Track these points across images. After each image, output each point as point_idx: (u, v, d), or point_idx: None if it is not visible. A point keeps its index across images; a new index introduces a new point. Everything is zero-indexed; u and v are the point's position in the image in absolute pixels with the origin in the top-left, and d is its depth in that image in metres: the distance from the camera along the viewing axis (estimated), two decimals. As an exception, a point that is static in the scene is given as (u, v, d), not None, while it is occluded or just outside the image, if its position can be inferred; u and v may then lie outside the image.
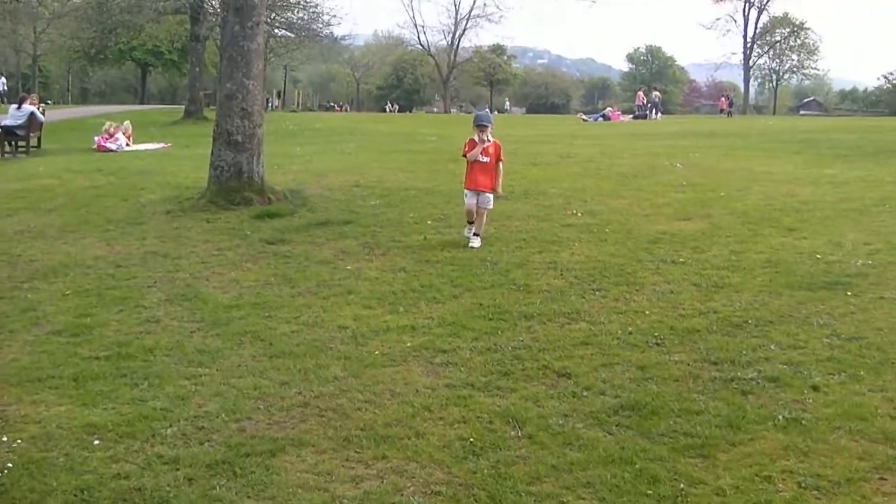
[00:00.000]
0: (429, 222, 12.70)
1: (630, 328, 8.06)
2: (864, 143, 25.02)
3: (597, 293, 9.20)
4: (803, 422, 6.16)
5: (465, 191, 11.61)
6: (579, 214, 13.10)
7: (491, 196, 11.57)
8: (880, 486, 5.34)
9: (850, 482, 5.37)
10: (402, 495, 5.19)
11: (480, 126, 11.55)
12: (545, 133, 32.52)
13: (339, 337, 8.01)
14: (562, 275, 9.86)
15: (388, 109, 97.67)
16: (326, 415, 6.33)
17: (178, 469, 5.54)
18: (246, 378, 7.04)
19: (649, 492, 5.20)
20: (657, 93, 65.50)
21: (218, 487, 5.30)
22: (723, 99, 70.30)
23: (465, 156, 11.68)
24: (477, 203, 11.43)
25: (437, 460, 5.62)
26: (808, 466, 5.55)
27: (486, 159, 11.45)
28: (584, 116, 58.33)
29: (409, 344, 7.76)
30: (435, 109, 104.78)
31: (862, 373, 7.04)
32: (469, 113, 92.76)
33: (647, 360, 7.28)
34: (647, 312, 8.43)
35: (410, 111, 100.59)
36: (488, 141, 11.51)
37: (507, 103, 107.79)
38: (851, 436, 5.98)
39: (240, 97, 14.36)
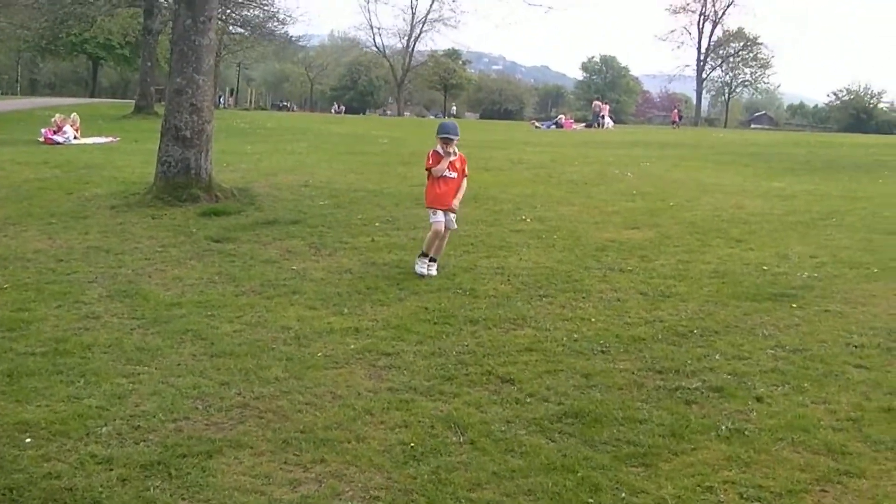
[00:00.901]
0: (377, 224, 12.62)
1: (575, 335, 8.03)
2: (814, 158, 25.32)
3: (543, 299, 9.16)
4: (746, 432, 6.15)
5: (434, 211, 10.22)
6: (528, 220, 13.09)
7: (454, 216, 10.46)
8: (821, 498, 5.34)
9: (792, 494, 5.37)
10: (340, 500, 5.11)
11: (445, 138, 10.14)
12: (498, 139, 32.55)
13: (281, 337, 7.89)
14: (509, 280, 9.83)
15: (334, 111, 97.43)
16: (266, 416, 6.21)
17: (111, 469, 5.40)
18: (185, 377, 6.90)
19: (590, 500, 5.16)
20: (597, 102, 65.92)
21: (152, 489, 5.17)
22: (675, 111, 70.99)
23: (428, 170, 10.28)
24: (447, 223, 10.25)
25: (376, 465, 5.53)
26: (751, 477, 5.54)
27: (453, 174, 10.19)
28: (536, 123, 58.55)
29: (352, 346, 7.66)
30: (388, 112, 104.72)
31: (806, 384, 7.06)
32: (422, 117, 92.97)
33: (592, 367, 7.24)
34: (592, 320, 8.41)
35: (364, 113, 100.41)
36: (454, 154, 10.21)
37: (454, 108, 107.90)
38: (794, 447, 5.98)
39: (189, 92, 14.19)
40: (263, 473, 5.40)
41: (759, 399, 6.75)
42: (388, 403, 6.46)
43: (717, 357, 7.59)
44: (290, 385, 6.77)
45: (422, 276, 9.91)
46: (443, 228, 10.11)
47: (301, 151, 23.46)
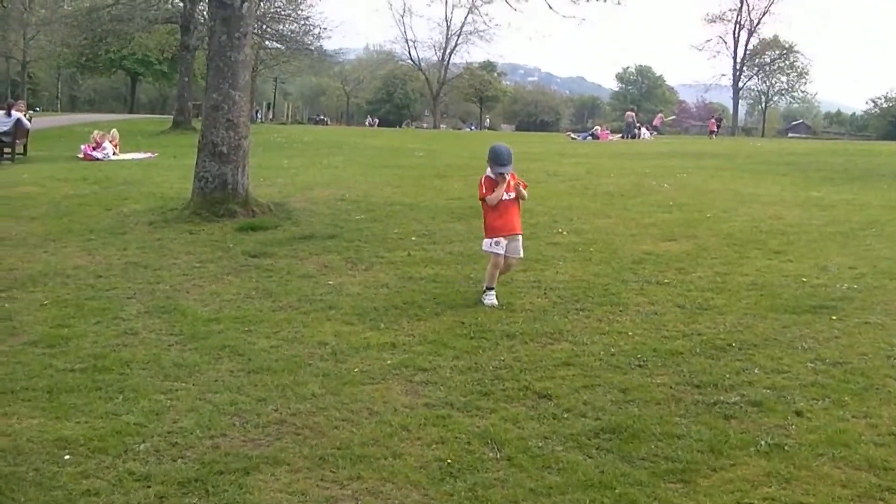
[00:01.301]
0: (413, 238, 12.62)
1: (613, 349, 7.98)
2: (852, 167, 25.08)
3: (580, 313, 9.13)
4: (786, 448, 6.08)
5: (496, 240, 9.51)
6: (565, 233, 13.05)
7: (521, 240, 9.83)
8: (863, 515, 5.28)
9: (833, 511, 5.31)
10: (377, 517, 5.10)
11: (500, 174, 9.52)
12: (533, 151, 32.48)
13: (318, 353, 7.91)
14: (545, 294, 9.79)
15: (368, 124, 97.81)
16: (303, 433, 6.22)
17: (149, 486, 5.42)
18: (222, 393, 6.93)
19: (628, 517, 5.12)
20: (630, 113, 65.67)
21: (189, 506, 5.19)
22: (712, 120, 70.61)
23: (482, 199, 9.58)
24: (509, 251, 9.59)
25: (413, 481, 5.52)
26: (790, 494, 5.48)
27: (511, 195, 9.53)
28: (572, 135, 58.39)
29: (388, 362, 7.66)
30: (424, 125, 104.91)
31: (846, 398, 6.98)
32: (458, 129, 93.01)
33: (630, 382, 7.19)
34: (630, 333, 8.36)
35: (400, 126, 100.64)
36: (506, 181, 9.49)
37: (488, 120, 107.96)
38: (835, 463, 5.91)
39: (226, 108, 14.28)
40: (300, 490, 5.40)
41: (798, 413, 6.68)
42: (425, 419, 6.45)
43: (755, 371, 7.52)
44: (327, 401, 6.78)
45: (493, 306, 9.29)
46: (502, 261, 9.51)
47: (337, 165, 23.55)
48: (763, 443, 6.13)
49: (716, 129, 66.78)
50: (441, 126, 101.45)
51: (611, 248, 12.04)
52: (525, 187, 9.87)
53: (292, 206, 15.17)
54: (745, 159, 28.50)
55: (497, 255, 9.44)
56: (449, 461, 5.77)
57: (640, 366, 7.51)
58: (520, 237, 9.73)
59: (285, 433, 6.21)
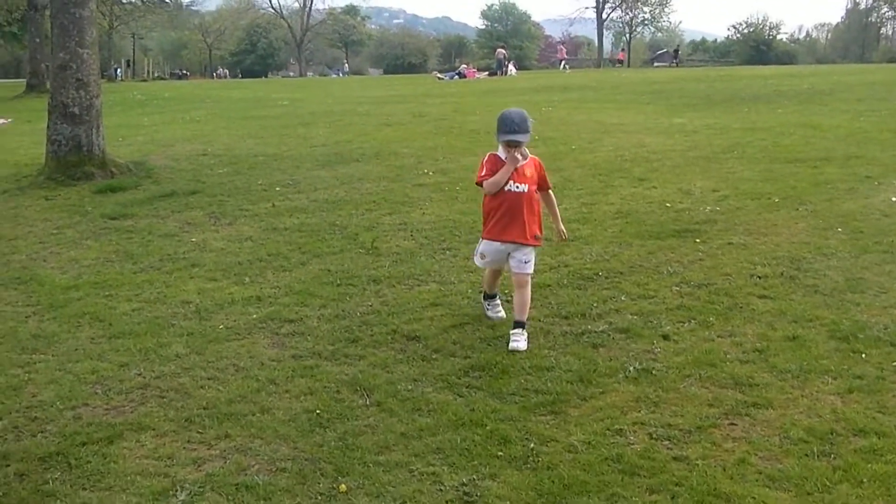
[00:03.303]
0: (277, 189, 12.40)
1: (480, 287, 7.95)
2: (714, 93, 25.53)
3: (447, 253, 9.09)
4: (654, 372, 6.16)
5: (486, 242, 7.09)
6: (431, 173, 12.98)
7: (532, 251, 7.00)
8: (730, 432, 5.36)
9: (701, 429, 5.38)
10: (246, 475, 4.97)
11: (511, 142, 6.82)
12: (399, 93, 32.32)
13: (181, 312, 7.70)
14: (412, 236, 9.73)
15: (218, 75, 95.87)
16: (167, 395, 6.04)
17: (8, 465, 5.19)
18: (83, 362, 6.67)
19: (500, 453, 5.10)
20: (500, 50, 65.87)
21: (51, 481, 4.97)
22: (561, 49, 71.24)
23: (479, 183, 7.05)
24: (510, 264, 7.03)
25: (282, 435, 5.41)
26: (659, 417, 5.54)
27: (522, 187, 6.88)
28: (439, 75, 58.21)
29: (254, 316, 7.51)
30: (291, 73, 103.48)
31: (711, 319, 7.10)
32: (325, 76, 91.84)
33: (498, 322, 7.18)
34: (497, 269, 8.35)
35: (265, 76, 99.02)
36: (524, 158, 6.94)
37: (346, 66, 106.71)
38: (701, 383, 6.00)
39: (74, 67, 13.75)
40: (167, 454, 5.24)
41: (665, 337, 6.77)
42: (293, 371, 6.33)
43: (622, 298, 7.59)
44: (192, 361, 6.60)
45: (493, 319, 7.24)
46: (496, 269, 7.27)
47: (199, 119, 23.03)
48: (631, 369, 6.19)
49: (565, 58, 67.30)
50: (308, 74, 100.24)
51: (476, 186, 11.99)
52: (560, 225, 7.44)
53: (152, 164, 14.76)
54: (611, 90, 28.80)
55: (488, 258, 7.13)
56: (318, 411, 5.68)
57: (507, 301, 7.48)
58: (527, 249, 6.94)
59: (149, 397, 6.03)
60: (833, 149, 14.09)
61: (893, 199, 10.67)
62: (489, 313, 7.30)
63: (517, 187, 6.88)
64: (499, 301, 7.35)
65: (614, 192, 11.47)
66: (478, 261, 7.22)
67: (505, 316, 7.15)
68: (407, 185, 12.30)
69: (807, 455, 5.06)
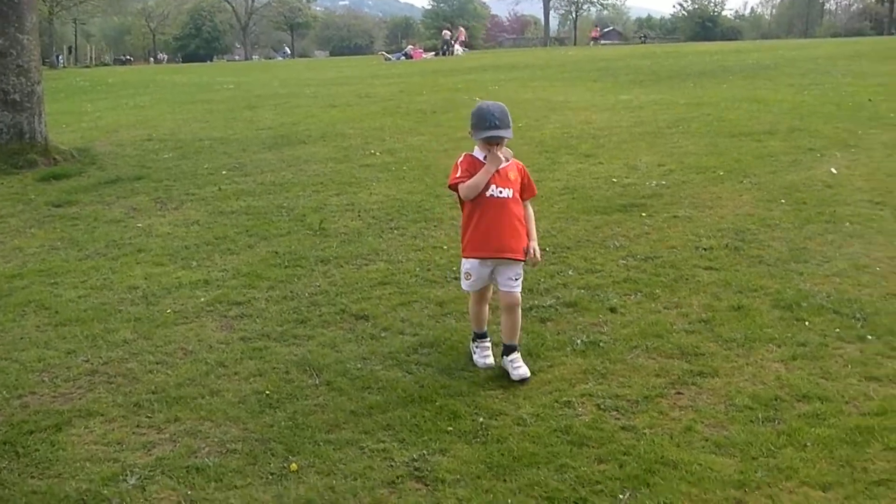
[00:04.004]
0: (223, 172, 12.31)
1: (428, 265, 7.98)
2: (660, 69, 25.66)
3: (394, 232, 9.09)
4: (601, 344, 6.21)
5: (466, 269, 5.98)
6: (378, 154, 12.96)
7: (521, 267, 5.97)
8: (677, 401, 5.43)
9: (648, 399, 5.44)
10: (196, 457, 4.96)
11: (492, 138, 5.74)
12: (346, 75, 32.17)
13: (129, 298, 7.63)
14: (359, 216, 9.72)
15: (156, 60, 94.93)
16: (116, 381, 6.00)
17: (-47, 457, 5.15)
18: (29, 350, 6.60)
19: (450, 428, 5.13)
20: (445, 31, 65.81)
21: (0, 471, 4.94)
22: (461, 31, 71.18)
23: (453, 187, 5.94)
24: (498, 283, 5.96)
25: (232, 417, 5.40)
26: (607, 388, 5.59)
27: (506, 192, 5.81)
28: (387, 55, 57.97)
29: (202, 299, 7.47)
30: (236, 57, 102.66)
31: (657, 291, 7.18)
32: (270, 59, 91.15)
33: (446, 295, 7.21)
34: (444, 248, 8.36)
35: (211, 60, 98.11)
36: (505, 161, 5.86)
37: (287, 49, 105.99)
38: (648, 354, 6.07)
39: (14, 53, 13.53)
40: (115, 440, 5.21)
41: (612, 310, 6.83)
42: (241, 353, 6.32)
43: (569, 272, 7.64)
44: (140, 346, 6.56)
45: (479, 366, 5.98)
46: (485, 293, 6.12)
47: (144, 105, 22.78)
48: (579, 342, 6.24)
49: (464, 39, 67.06)
50: (253, 57, 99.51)
51: (423, 165, 12.02)
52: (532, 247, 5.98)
53: (97, 150, 14.61)
54: (558, 68, 28.85)
55: (468, 284, 6.03)
56: (268, 392, 5.67)
57: (456, 279, 7.50)
58: (515, 265, 5.90)
59: (97, 383, 5.98)
60: (777, 122, 14.24)
61: (835, 170, 10.81)
62: (476, 358, 6.03)
63: (500, 192, 5.76)
64: (489, 343, 6.06)
65: (561, 168, 11.51)
66: (464, 284, 6.03)
67: (494, 363, 5.94)
68: (354, 165, 12.27)
69: (752, 421, 5.14)
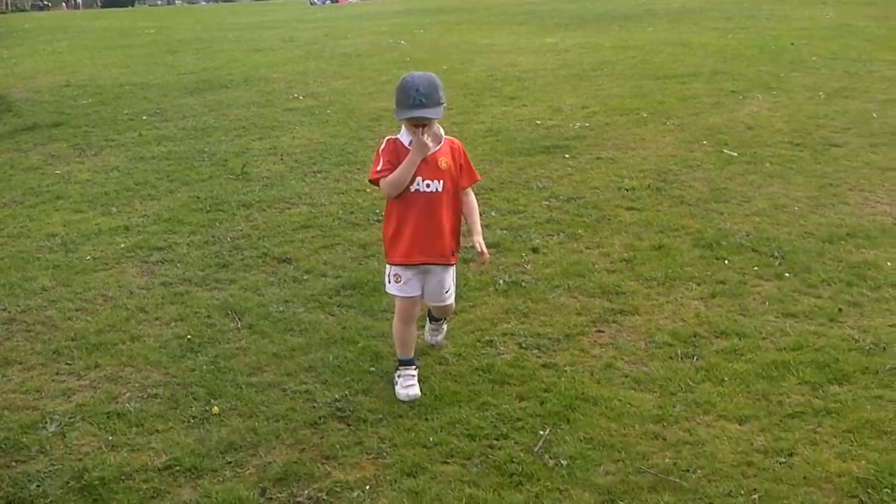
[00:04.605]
0: (144, 118, 12.09)
1: (351, 208, 7.95)
2: (586, 12, 25.63)
3: (318, 175, 9.03)
4: (523, 284, 6.26)
5: (394, 271, 4.98)
6: (301, 98, 12.83)
7: (452, 274, 5.19)
8: (598, 339, 5.51)
9: (569, 337, 5.51)
10: (117, 403, 4.92)
11: (416, 119, 4.75)
12: (270, 19, 31.66)
13: (47, 245, 7.49)
14: (282, 160, 9.63)
15: (65, 6, 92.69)
16: (34, 329, 5.91)
17: None
18: (-54, 305, 6.47)
19: (372, 369, 5.15)
20: None
21: (-85, 421, 4.86)
22: None
23: (374, 181, 4.95)
24: (425, 295, 5.07)
25: (153, 362, 5.36)
26: (529, 327, 5.65)
27: (435, 185, 4.87)
28: (312, 0, 57.27)
29: (122, 245, 7.36)
30: (158, 2, 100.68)
31: (580, 231, 7.23)
32: (194, 3, 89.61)
33: (369, 237, 7.19)
34: (367, 191, 8.29)
35: (132, 5, 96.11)
36: (435, 144, 4.88)
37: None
38: (570, 293, 6.13)
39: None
40: (34, 388, 5.14)
41: (535, 250, 6.88)
42: (163, 299, 6.26)
43: (492, 214, 7.66)
44: (59, 293, 6.46)
45: (401, 398, 4.87)
46: (412, 308, 5.04)
47: (62, 51, 22.19)
48: (501, 282, 6.29)
49: None
50: (176, 2, 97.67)
51: (347, 109, 11.93)
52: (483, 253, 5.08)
53: (13, 97, 14.25)
54: (484, 12, 28.68)
55: (397, 297, 5.01)
56: (189, 337, 5.64)
57: (378, 221, 7.46)
58: (445, 270, 5.05)
59: (15, 332, 5.89)
60: (701, 65, 14.34)
61: (757, 111, 10.94)
62: (398, 389, 4.94)
63: (428, 186, 4.81)
64: (415, 371, 5.01)
65: (485, 111, 11.50)
66: (391, 287, 4.98)
67: (419, 394, 4.89)
68: (277, 109, 12.13)
69: (671, 357, 5.23)
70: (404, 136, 4.84)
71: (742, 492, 3.97)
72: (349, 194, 8.32)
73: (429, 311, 5.38)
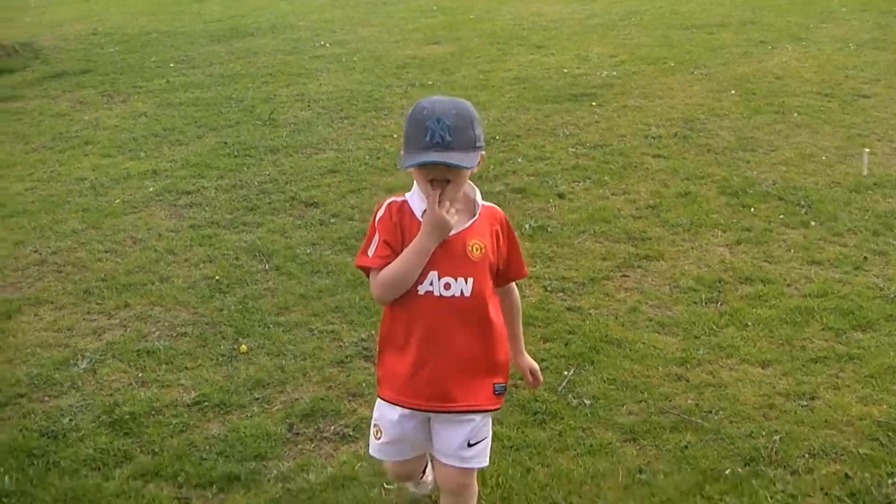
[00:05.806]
0: (171, 65, 12.09)
1: (378, 153, 7.97)
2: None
3: (344, 121, 9.04)
4: (549, 229, 6.28)
5: (383, 407, 3.12)
6: (328, 45, 12.80)
7: (488, 423, 3.13)
8: (623, 283, 5.54)
9: (595, 281, 5.54)
10: (146, 341, 5.02)
11: (433, 165, 2.78)
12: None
13: (76, 189, 7.55)
14: (309, 106, 9.64)
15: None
16: (65, 269, 6.00)
17: None
18: (-24, 244, 6.56)
19: (397, 309, 5.19)
20: None
21: (-52, 359, 4.95)
22: None
23: (363, 266, 2.98)
24: (436, 451, 3.15)
25: (182, 302, 5.44)
26: (554, 271, 5.68)
27: (458, 288, 2.90)
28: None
29: (151, 189, 7.42)
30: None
31: (606, 178, 7.23)
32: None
33: (395, 183, 7.18)
34: (394, 136, 8.32)
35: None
36: (467, 213, 2.96)
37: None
38: (595, 238, 6.16)
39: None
40: (66, 326, 5.24)
41: (561, 196, 6.89)
42: (191, 241, 6.33)
43: (519, 160, 7.67)
44: (89, 235, 6.54)
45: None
46: (401, 472, 3.48)
47: (89, -1, 22.26)
48: (527, 226, 6.31)
49: None
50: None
51: (374, 56, 11.89)
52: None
53: (41, 45, 14.28)
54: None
55: (377, 453, 3.28)
56: (217, 278, 5.71)
57: (406, 167, 7.51)
58: (474, 421, 3.05)
59: (46, 273, 5.98)
60: (729, 15, 14.19)
61: (786, 61, 10.85)
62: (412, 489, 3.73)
63: (448, 287, 2.93)
64: (428, 472, 3.62)
65: (512, 59, 11.45)
66: (371, 446, 3.27)
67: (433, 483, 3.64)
68: (304, 57, 12.11)
69: (695, 302, 5.26)
70: (416, 201, 2.97)
71: (763, 433, 4.02)
72: (375, 140, 8.33)
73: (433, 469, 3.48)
